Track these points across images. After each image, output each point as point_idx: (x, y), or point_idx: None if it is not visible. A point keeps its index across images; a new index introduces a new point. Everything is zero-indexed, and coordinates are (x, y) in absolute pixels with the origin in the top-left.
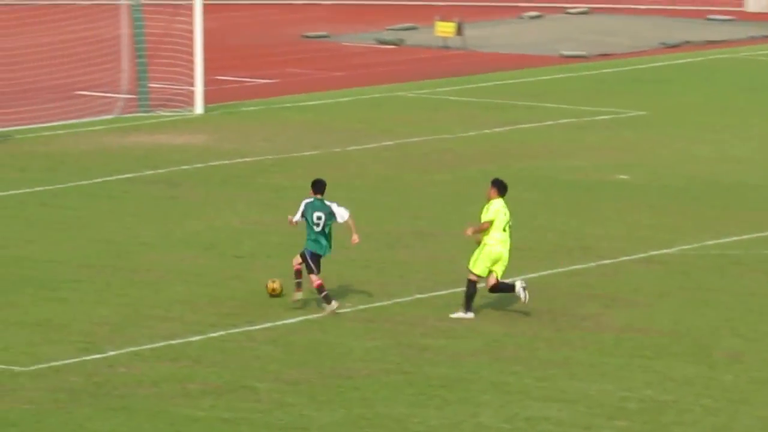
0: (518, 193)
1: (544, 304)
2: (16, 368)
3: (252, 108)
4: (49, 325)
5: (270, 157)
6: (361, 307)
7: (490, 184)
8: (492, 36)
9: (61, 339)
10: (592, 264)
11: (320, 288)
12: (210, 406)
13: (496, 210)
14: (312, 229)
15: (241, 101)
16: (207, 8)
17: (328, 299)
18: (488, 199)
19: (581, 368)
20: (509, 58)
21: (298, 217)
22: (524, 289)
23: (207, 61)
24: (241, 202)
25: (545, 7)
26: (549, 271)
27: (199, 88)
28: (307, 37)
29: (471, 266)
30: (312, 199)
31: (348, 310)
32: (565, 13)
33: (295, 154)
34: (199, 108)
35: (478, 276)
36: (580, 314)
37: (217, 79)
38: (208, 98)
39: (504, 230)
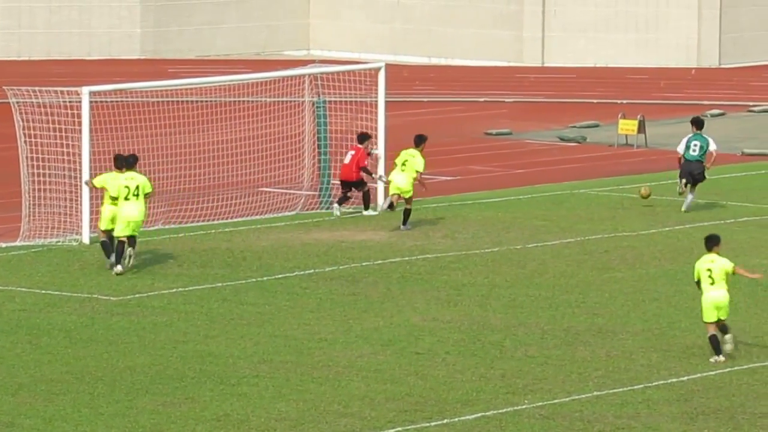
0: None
1: (723, 401)
2: None
3: (433, 205)
4: (227, 420)
5: (451, 254)
6: (539, 403)
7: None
8: (674, 134)
9: None
10: None
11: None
12: None
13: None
14: None
15: (423, 198)
16: (390, 105)
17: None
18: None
19: None
20: None
21: None
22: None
23: (388, 158)
24: (421, 298)
25: (728, 105)
26: (728, 369)
27: (380, 185)
28: (490, 134)
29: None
30: None
31: (526, 406)
32: (748, 111)
33: (475, 251)
34: (380, 205)
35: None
36: (759, 412)
37: None
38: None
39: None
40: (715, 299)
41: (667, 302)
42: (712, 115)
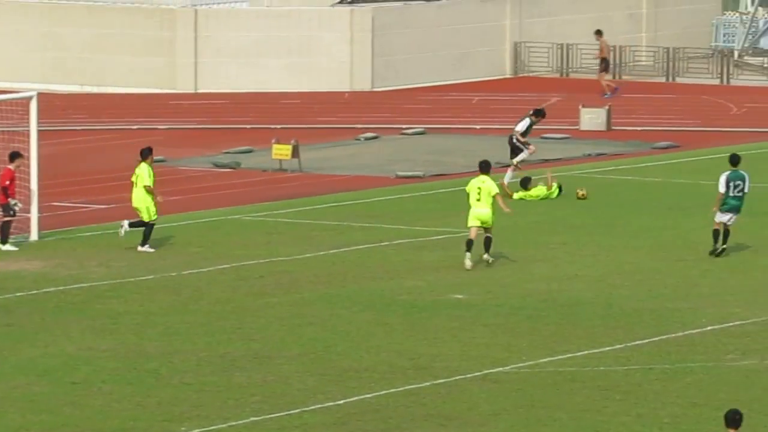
0: (354, 314)
1: (380, 424)
2: None
3: (88, 233)
4: None
5: (106, 282)
6: (197, 430)
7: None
8: (328, 158)
9: None
10: (427, 383)
11: None
12: None
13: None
14: None
15: (77, 227)
16: (43, 134)
17: None
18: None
19: None
20: (345, 179)
21: None
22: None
23: (42, 187)
24: (76, 328)
25: (382, 128)
26: (384, 392)
27: (34, 215)
28: None
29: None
30: None
31: None
32: (402, 134)
33: (130, 279)
34: (34, 234)
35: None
36: None
37: (53, 205)
38: (43, 224)
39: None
40: (478, 214)
41: (323, 326)
42: (366, 139)
